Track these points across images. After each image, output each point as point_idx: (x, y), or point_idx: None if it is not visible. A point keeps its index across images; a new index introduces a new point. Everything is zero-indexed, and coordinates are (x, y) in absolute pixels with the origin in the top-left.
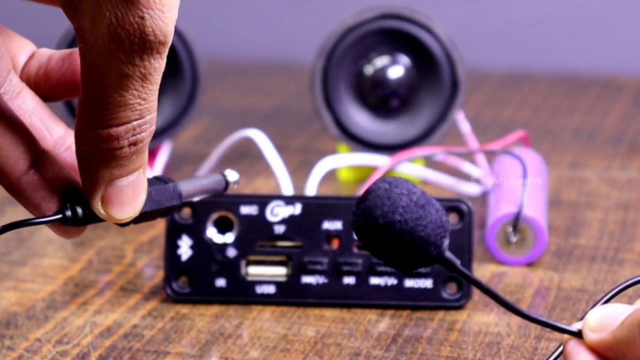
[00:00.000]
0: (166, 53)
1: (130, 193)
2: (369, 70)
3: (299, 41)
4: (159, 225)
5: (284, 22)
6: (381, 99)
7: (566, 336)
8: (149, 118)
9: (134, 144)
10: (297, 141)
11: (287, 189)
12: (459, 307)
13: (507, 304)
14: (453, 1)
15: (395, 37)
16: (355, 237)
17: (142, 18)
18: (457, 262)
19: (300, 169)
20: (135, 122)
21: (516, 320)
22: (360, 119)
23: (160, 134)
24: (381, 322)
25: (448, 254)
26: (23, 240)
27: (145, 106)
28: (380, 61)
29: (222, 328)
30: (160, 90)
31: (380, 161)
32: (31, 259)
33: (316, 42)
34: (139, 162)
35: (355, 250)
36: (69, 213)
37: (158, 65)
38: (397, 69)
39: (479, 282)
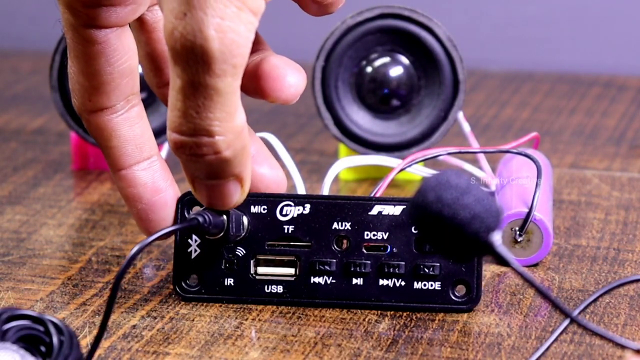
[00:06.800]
0: None
1: None
2: (369, 70)
3: (299, 41)
4: None
5: (284, 22)
6: (381, 99)
7: (627, 352)
8: None
9: None
10: (297, 141)
11: (301, 191)
12: (468, 310)
13: (565, 311)
14: (453, 1)
15: (395, 36)
16: (365, 234)
17: None
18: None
19: (300, 169)
20: None
21: (517, 321)
22: (360, 119)
23: (160, 134)
24: (381, 323)
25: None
26: (22, 241)
27: None
28: (380, 61)
29: (221, 328)
30: None
31: (395, 162)
32: (30, 259)
33: (316, 42)
34: None
35: (364, 251)
36: None
37: None
38: (397, 69)
39: (532, 282)
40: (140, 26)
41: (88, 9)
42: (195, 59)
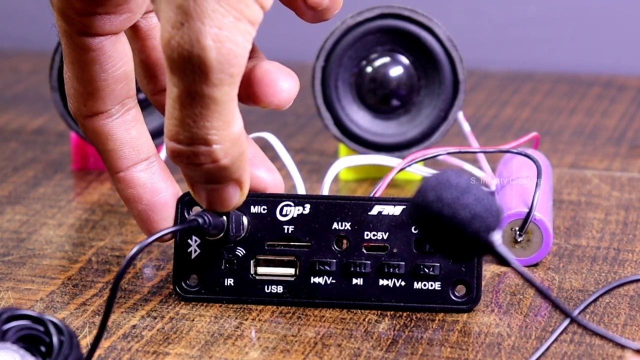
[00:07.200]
0: None
1: None
2: (368, 70)
3: (299, 41)
4: None
5: (284, 22)
6: (381, 99)
7: (627, 352)
8: None
9: None
10: (297, 141)
11: (301, 191)
12: (468, 310)
13: (568, 313)
14: (453, 1)
15: (395, 36)
16: (368, 235)
17: None
18: (512, 257)
19: (300, 169)
20: None
21: (517, 321)
22: (360, 119)
23: (159, 135)
24: (381, 323)
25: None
26: (22, 240)
27: None
28: (380, 61)
29: (221, 328)
30: None
31: (395, 162)
32: (30, 259)
33: (316, 42)
34: None
35: (364, 251)
36: None
37: None
38: (397, 69)
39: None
40: (135, 33)
41: (82, 17)
42: (192, 68)
